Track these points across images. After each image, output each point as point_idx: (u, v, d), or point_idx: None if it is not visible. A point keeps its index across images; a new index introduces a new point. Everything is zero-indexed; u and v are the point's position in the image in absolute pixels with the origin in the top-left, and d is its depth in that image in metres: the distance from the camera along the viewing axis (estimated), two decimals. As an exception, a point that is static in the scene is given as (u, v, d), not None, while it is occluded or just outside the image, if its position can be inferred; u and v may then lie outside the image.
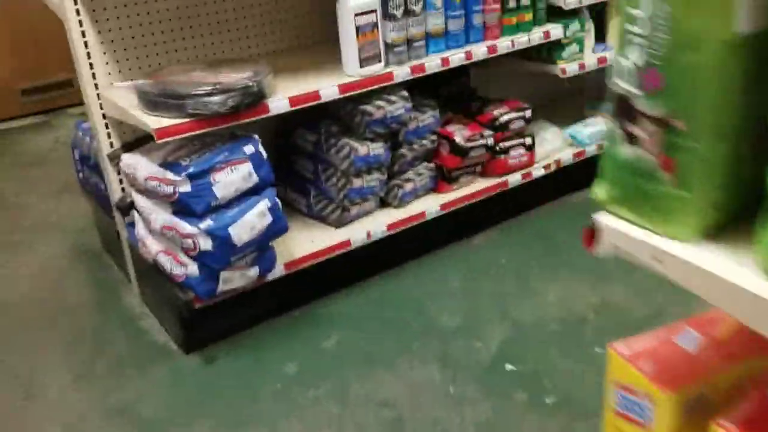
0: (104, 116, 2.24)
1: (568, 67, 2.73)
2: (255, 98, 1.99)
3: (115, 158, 2.29)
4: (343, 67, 2.24)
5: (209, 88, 1.90)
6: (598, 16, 2.82)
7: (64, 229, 3.10)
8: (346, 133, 2.36)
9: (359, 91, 2.23)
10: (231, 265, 2.06)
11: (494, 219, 2.86)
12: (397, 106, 2.35)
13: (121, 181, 2.33)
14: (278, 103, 2.07)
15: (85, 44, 2.14)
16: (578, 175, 3.00)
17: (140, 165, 2.07)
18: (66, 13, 2.09)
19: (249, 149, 2.02)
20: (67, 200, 3.33)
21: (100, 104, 2.22)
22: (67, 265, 2.83)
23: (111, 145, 2.29)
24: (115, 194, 2.35)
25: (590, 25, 2.76)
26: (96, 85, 2.20)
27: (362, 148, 2.34)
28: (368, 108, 2.30)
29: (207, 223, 1.96)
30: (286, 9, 2.54)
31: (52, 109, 4.58)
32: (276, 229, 2.10)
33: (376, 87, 2.25)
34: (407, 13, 2.25)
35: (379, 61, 2.23)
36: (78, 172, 2.81)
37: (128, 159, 2.13)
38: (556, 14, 2.66)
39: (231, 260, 2.04)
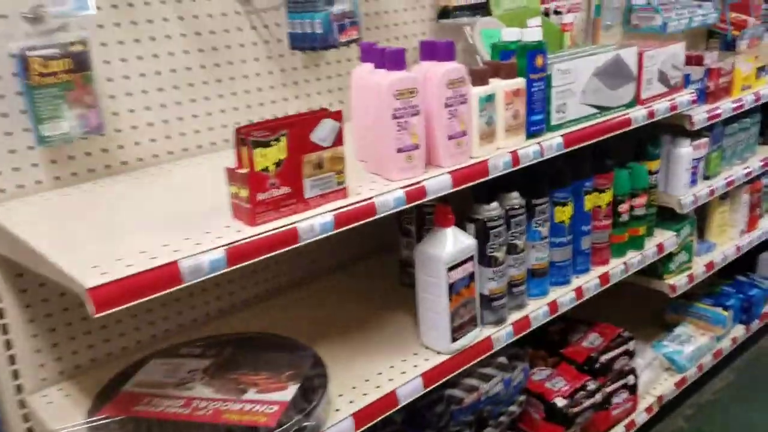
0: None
1: (677, 281, 2.07)
2: (310, 438, 1.17)
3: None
4: (421, 338, 1.46)
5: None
6: (697, 210, 2.21)
7: None
8: (416, 427, 1.55)
9: (450, 377, 1.45)
10: None
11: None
12: (495, 382, 1.58)
13: None
14: (341, 429, 1.25)
15: (7, 344, 1.27)
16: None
17: None
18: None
19: None
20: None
21: (24, 416, 1.33)
22: None
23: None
24: None
25: (695, 224, 2.15)
26: (19, 388, 1.32)
27: (443, 451, 1.54)
28: (457, 393, 1.51)
29: None
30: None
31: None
32: None
33: (472, 364, 1.48)
34: (510, 250, 1.53)
35: (475, 324, 1.48)
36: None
37: None
38: (665, 217, 2.03)
39: None
